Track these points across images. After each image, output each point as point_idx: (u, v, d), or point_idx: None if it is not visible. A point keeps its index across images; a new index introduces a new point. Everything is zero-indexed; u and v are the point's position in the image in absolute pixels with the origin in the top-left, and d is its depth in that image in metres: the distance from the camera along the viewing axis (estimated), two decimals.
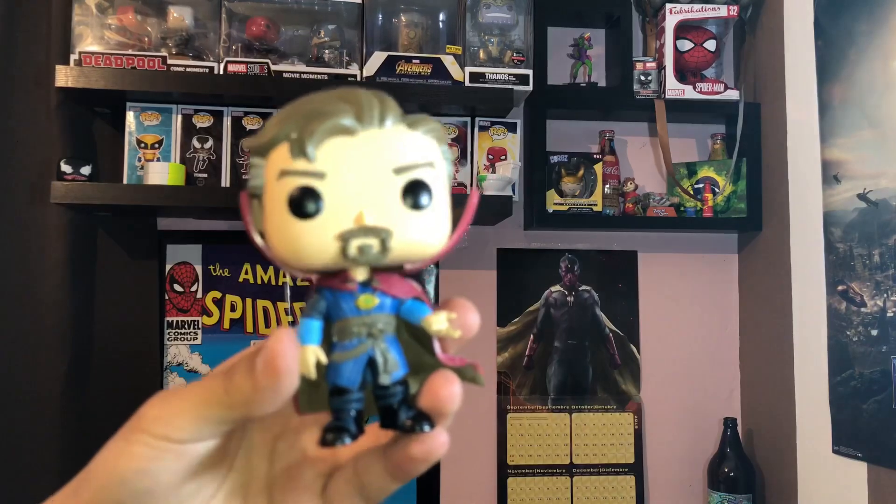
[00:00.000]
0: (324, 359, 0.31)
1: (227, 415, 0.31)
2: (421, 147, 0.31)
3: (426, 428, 0.32)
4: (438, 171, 0.32)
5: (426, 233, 0.31)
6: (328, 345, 0.32)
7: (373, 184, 0.30)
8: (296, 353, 0.30)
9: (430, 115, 0.33)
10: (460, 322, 0.33)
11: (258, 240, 0.32)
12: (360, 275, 0.32)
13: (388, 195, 0.30)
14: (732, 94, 1.67)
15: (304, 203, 0.30)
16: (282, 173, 0.30)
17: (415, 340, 0.34)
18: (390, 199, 0.30)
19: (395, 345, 0.33)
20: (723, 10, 1.66)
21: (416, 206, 0.31)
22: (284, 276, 1.62)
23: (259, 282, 1.61)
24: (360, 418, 0.33)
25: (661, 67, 1.66)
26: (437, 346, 0.33)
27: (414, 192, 0.31)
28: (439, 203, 0.32)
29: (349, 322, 0.32)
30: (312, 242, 0.30)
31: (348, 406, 0.32)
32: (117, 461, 0.30)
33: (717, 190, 1.69)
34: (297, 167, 0.30)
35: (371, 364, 0.32)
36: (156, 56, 1.45)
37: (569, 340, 1.73)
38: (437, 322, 0.32)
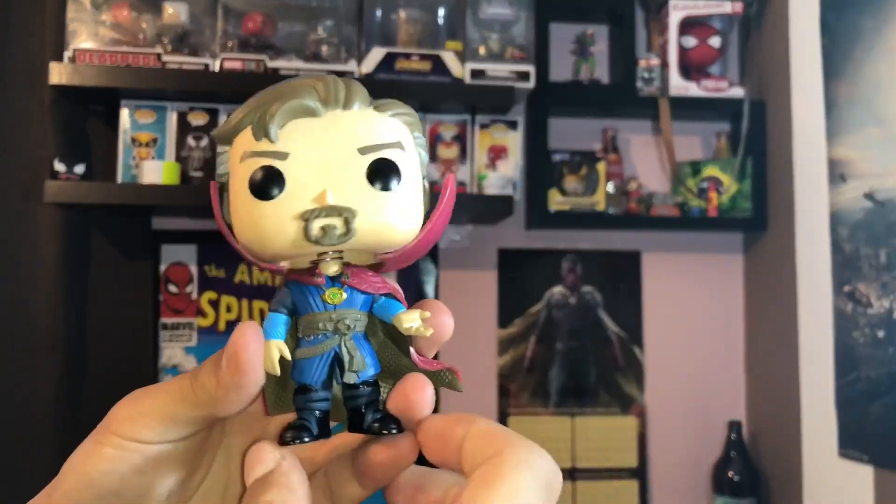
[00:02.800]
0: (287, 354, 0.30)
1: (194, 413, 0.30)
2: (389, 129, 0.31)
3: (393, 430, 0.30)
4: (408, 153, 0.31)
5: (393, 215, 0.30)
6: (295, 342, 0.31)
7: (337, 164, 0.29)
8: (259, 347, 0.29)
9: (401, 100, 0.31)
10: (433, 322, 0.31)
11: (226, 231, 0.31)
12: (331, 269, 0.31)
13: (353, 175, 0.29)
14: (737, 92, 1.65)
15: (265, 184, 0.29)
16: (244, 155, 0.29)
17: (393, 342, 0.33)
18: (355, 179, 0.29)
19: (363, 343, 0.31)
20: (727, 7, 1.65)
21: (383, 186, 0.30)
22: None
23: (255, 283, 1.59)
24: (326, 419, 0.31)
25: (664, 64, 1.65)
26: (412, 348, 0.31)
27: (380, 172, 0.30)
28: (409, 186, 0.30)
29: (315, 317, 0.31)
30: (274, 224, 0.29)
31: (311, 405, 0.31)
32: (85, 463, 0.30)
33: (721, 189, 1.67)
34: (259, 148, 0.29)
35: (338, 362, 0.31)
36: (151, 53, 1.43)
37: (571, 342, 1.72)
38: (409, 319, 0.30)
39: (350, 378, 0.31)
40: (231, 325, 1.58)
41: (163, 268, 1.58)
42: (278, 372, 0.29)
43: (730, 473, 1.61)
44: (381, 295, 0.31)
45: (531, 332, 1.71)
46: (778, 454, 1.62)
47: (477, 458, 0.26)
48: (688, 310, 1.76)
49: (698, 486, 1.73)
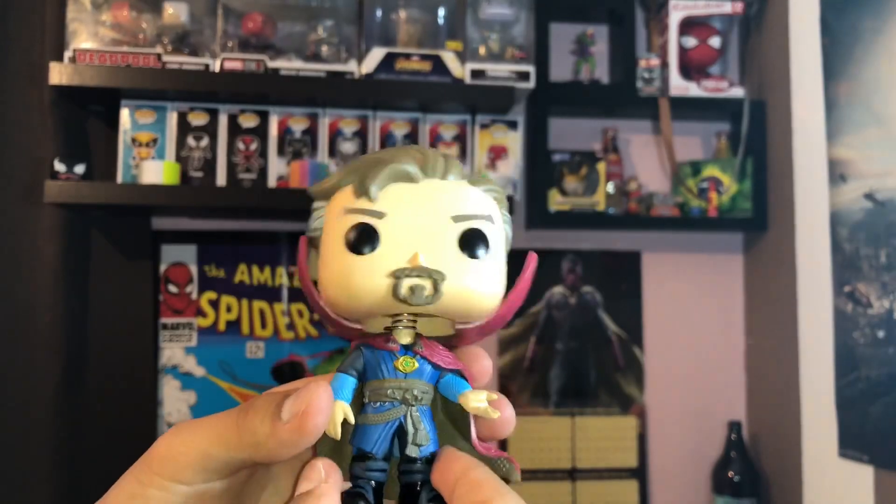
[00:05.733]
0: (351, 418, 0.30)
1: (232, 455, 0.29)
2: (482, 201, 0.32)
3: None
4: (497, 227, 0.33)
5: (479, 283, 0.31)
6: (358, 407, 0.31)
7: (431, 228, 0.31)
8: (329, 412, 0.29)
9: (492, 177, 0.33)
10: (498, 405, 0.32)
11: (310, 286, 0.31)
12: (405, 338, 0.31)
13: (445, 240, 0.31)
14: (737, 92, 1.65)
15: (361, 239, 0.30)
16: (343, 210, 0.30)
17: (450, 422, 0.33)
18: (447, 245, 0.31)
19: (428, 417, 0.31)
20: (727, 7, 1.64)
21: (472, 255, 0.31)
22: (281, 277, 1.60)
23: (255, 283, 1.59)
24: (380, 491, 0.31)
25: (664, 64, 1.64)
26: (473, 432, 0.32)
27: (471, 240, 0.31)
28: (495, 257, 0.32)
29: (385, 383, 0.31)
30: (365, 279, 0.29)
31: (370, 474, 0.30)
32: (132, 503, 0.30)
33: (721, 189, 1.67)
34: (358, 205, 0.30)
35: (400, 433, 0.31)
36: (151, 53, 1.43)
37: (571, 342, 1.71)
38: (476, 399, 0.31)
39: (412, 451, 0.31)
40: (231, 325, 1.58)
41: (163, 268, 1.58)
42: (339, 436, 0.29)
43: (730, 473, 1.61)
44: (449, 372, 0.32)
45: (531, 333, 1.70)
46: (778, 454, 1.62)
47: (464, 502, 0.28)
48: (688, 310, 1.76)
49: (698, 486, 1.72)
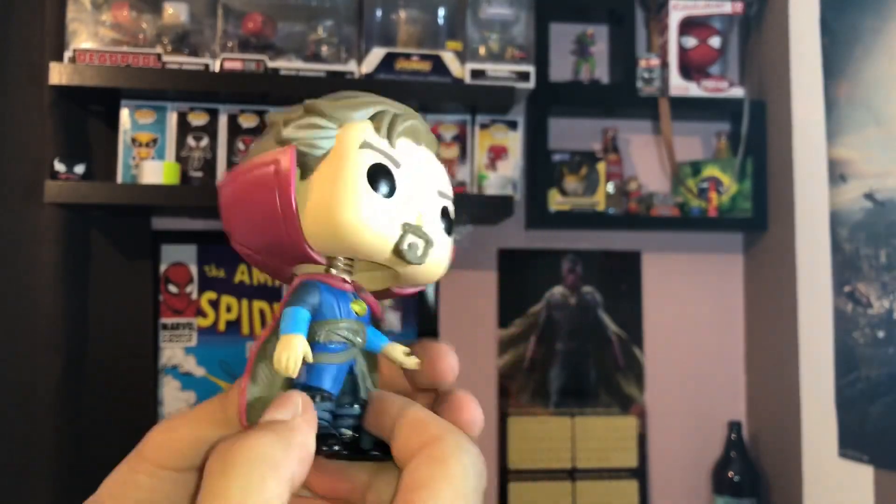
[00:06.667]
0: (310, 356, 0.29)
1: (222, 433, 0.30)
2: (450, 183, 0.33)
3: (389, 456, 0.29)
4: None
5: (447, 257, 0.32)
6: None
7: (426, 194, 0.31)
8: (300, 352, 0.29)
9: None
10: (441, 367, 0.32)
11: (293, 208, 0.29)
12: (348, 279, 0.31)
13: (434, 210, 0.31)
14: (737, 92, 1.65)
15: (384, 180, 0.29)
16: (365, 144, 0.30)
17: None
18: (435, 215, 0.31)
19: (368, 361, 0.31)
20: (727, 7, 1.65)
21: (448, 231, 0.32)
22: None
23: (255, 283, 1.59)
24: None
25: (664, 64, 1.64)
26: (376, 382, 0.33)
27: (447, 217, 0.32)
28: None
29: (340, 324, 0.30)
30: (378, 219, 0.29)
31: (327, 416, 0.30)
32: (123, 490, 0.30)
33: (721, 189, 1.67)
34: (382, 147, 0.30)
35: (349, 375, 0.30)
36: (151, 53, 1.43)
37: (571, 342, 1.71)
38: (401, 350, 0.31)
39: (365, 394, 0.31)
40: (231, 326, 1.58)
41: (163, 268, 1.58)
42: (296, 374, 0.28)
43: (730, 473, 1.61)
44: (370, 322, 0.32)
45: (531, 333, 1.70)
46: (778, 454, 1.62)
47: (411, 442, 0.27)
48: (688, 310, 1.76)
49: (698, 486, 1.72)
